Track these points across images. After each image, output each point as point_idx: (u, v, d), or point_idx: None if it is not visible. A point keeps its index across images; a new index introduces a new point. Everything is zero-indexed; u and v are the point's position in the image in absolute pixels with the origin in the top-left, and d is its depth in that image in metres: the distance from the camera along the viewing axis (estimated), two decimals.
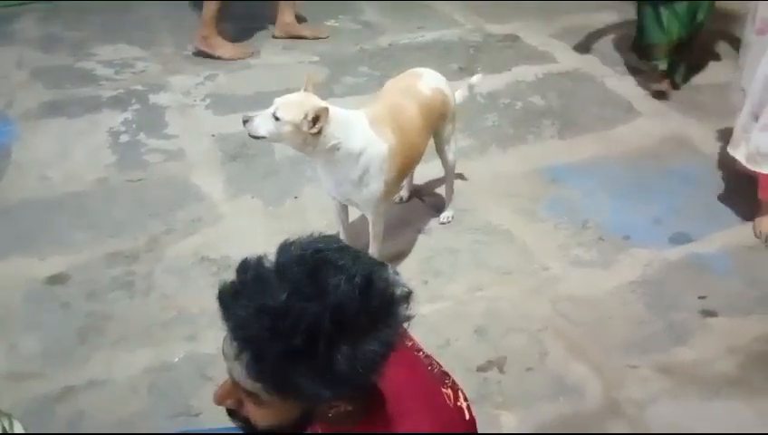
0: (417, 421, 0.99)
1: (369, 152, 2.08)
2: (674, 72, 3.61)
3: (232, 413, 0.95)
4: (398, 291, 0.87)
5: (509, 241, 2.59)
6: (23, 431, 1.41)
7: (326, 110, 1.98)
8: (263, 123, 2.01)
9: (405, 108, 2.24)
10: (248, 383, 0.88)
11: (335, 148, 2.03)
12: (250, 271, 0.86)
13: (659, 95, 3.57)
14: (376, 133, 2.10)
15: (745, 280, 2.41)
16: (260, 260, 0.87)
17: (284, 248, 0.88)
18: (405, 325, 0.88)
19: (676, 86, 3.64)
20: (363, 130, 2.08)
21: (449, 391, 1.10)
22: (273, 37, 4.14)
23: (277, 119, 1.99)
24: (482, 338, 2.16)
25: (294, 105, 2.00)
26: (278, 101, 2.03)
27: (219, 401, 0.95)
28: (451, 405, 1.08)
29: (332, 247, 0.88)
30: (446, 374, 1.14)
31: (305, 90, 2.09)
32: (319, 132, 1.98)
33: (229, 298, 0.86)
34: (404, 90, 2.32)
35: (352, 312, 0.82)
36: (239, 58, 3.89)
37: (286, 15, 4.10)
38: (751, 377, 2.04)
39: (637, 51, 3.67)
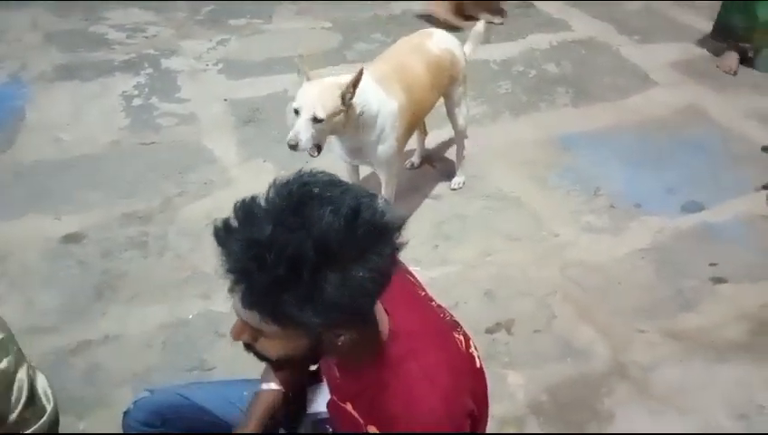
0: (430, 357, 1.01)
1: (382, 112, 2.08)
2: (756, 55, 3.50)
3: (248, 347, 0.99)
4: (389, 220, 0.88)
5: (520, 207, 2.60)
6: (46, 383, 1.45)
7: (360, 72, 1.93)
8: (308, 136, 1.91)
9: (411, 66, 2.23)
10: (247, 316, 0.92)
11: (360, 114, 2.03)
12: (242, 208, 0.89)
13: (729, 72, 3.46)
14: (384, 91, 2.10)
15: (757, 248, 2.41)
16: (253, 198, 0.90)
17: (275, 185, 0.90)
18: (397, 254, 0.89)
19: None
20: (374, 89, 2.07)
21: (461, 338, 1.12)
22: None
23: (318, 120, 1.91)
24: (491, 301, 2.18)
25: (323, 97, 1.91)
26: (304, 103, 1.91)
27: (235, 336, 0.98)
28: (463, 350, 1.10)
29: (320, 181, 0.90)
30: (457, 323, 1.16)
31: (306, 76, 2.01)
32: (351, 105, 1.95)
33: (223, 234, 0.89)
34: (413, 48, 2.31)
35: (337, 241, 0.84)
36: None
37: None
38: (758, 343, 2.05)
39: (720, 31, 3.54)
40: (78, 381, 1.88)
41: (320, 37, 3.80)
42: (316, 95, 1.92)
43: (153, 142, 2.93)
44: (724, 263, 2.33)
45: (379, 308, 1.02)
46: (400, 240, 0.89)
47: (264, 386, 1.27)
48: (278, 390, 1.25)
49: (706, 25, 3.96)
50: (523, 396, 1.87)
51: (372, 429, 1.03)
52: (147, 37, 3.77)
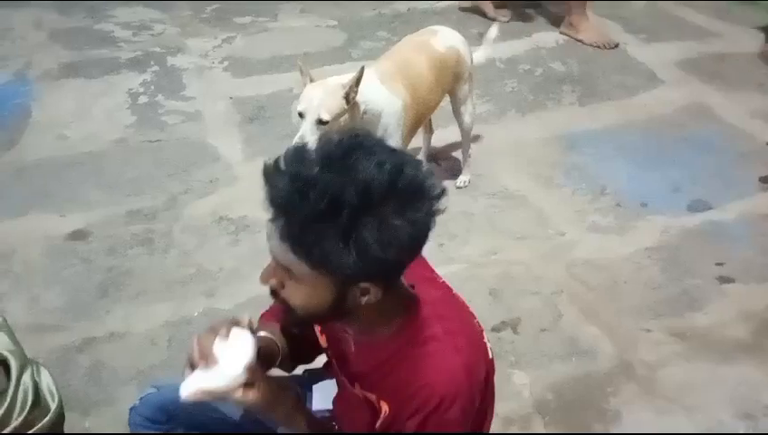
0: (454, 325, 1.04)
1: (386, 110, 2.08)
2: None
3: (274, 294, 1.00)
4: (431, 183, 0.92)
5: (525, 206, 2.59)
6: (50, 379, 1.45)
7: (361, 70, 1.95)
8: (314, 139, 1.89)
9: (415, 63, 2.22)
10: (281, 252, 0.93)
11: (364, 113, 2.02)
12: (292, 151, 0.93)
13: None
14: (388, 90, 2.09)
15: (763, 247, 2.39)
16: (304, 144, 0.96)
17: (327, 135, 0.96)
18: (434, 217, 0.92)
19: None
20: (378, 88, 2.07)
21: (478, 325, 1.12)
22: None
23: (323, 122, 1.91)
24: (496, 300, 2.17)
25: (327, 99, 1.91)
26: (308, 106, 1.91)
27: (263, 280, 1.00)
28: (481, 336, 1.10)
29: (370, 137, 0.96)
30: (473, 313, 1.15)
31: (308, 78, 2.00)
32: (355, 104, 1.96)
33: (271, 170, 0.92)
34: (417, 46, 2.31)
35: (379, 191, 0.87)
36: (602, 47, 3.64)
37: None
38: (764, 343, 2.03)
39: None
40: (83, 379, 1.89)
41: (325, 35, 3.79)
42: (320, 97, 1.92)
43: (158, 140, 2.93)
44: (731, 262, 2.32)
45: (402, 283, 1.04)
46: (438, 206, 0.91)
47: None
48: (269, 337, 1.20)
49: (712, 24, 3.95)
50: (529, 395, 1.87)
51: (384, 406, 1.04)
52: (153, 35, 3.77)
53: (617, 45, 3.67)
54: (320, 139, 0.97)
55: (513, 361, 1.95)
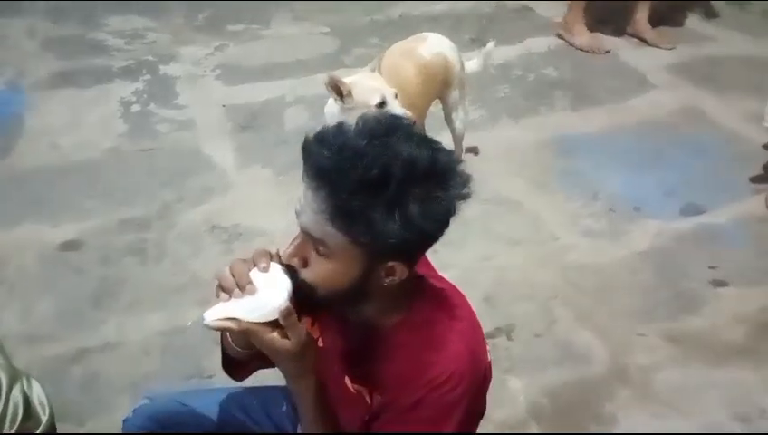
0: (457, 313, 1.05)
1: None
2: None
3: (293, 275, 0.97)
4: (462, 169, 0.96)
5: (519, 211, 2.59)
6: (41, 391, 1.44)
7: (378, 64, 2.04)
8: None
9: (402, 70, 2.24)
10: (318, 226, 0.92)
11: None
12: (333, 127, 0.94)
13: None
14: None
15: (756, 251, 2.40)
16: (341, 122, 0.96)
17: (364, 115, 0.97)
18: (465, 198, 0.96)
19: None
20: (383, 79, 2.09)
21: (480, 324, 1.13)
22: (627, 34, 3.84)
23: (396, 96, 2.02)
24: (491, 306, 2.17)
25: (381, 82, 2.03)
26: (385, 91, 2.01)
27: (288, 258, 0.98)
28: (482, 331, 1.11)
29: (407, 122, 1.00)
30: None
31: (346, 88, 2.04)
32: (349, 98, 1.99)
33: (312, 143, 0.93)
34: (405, 53, 2.33)
35: (423, 168, 0.90)
36: (593, 51, 3.67)
37: (639, 13, 3.77)
38: (758, 346, 2.04)
39: None
40: (76, 389, 1.88)
41: (317, 42, 3.80)
42: (382, 82, 2.03)
43: (151, 149, 2.92)
44: (724, 266, 2.32)
45: (415, 271, 1.04)
46: (468, 190, 0.95)
47: None
48: None
49: (702, 27, 3.97)
50: (524, 401, 1.87)
51: (376, 398, 1.04)
52: (145, 43, 3.77)
53: (608, 51, 3.68)
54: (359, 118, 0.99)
55: (507, 367, 1.95)
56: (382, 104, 1.97)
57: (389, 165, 0.88)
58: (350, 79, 2.04)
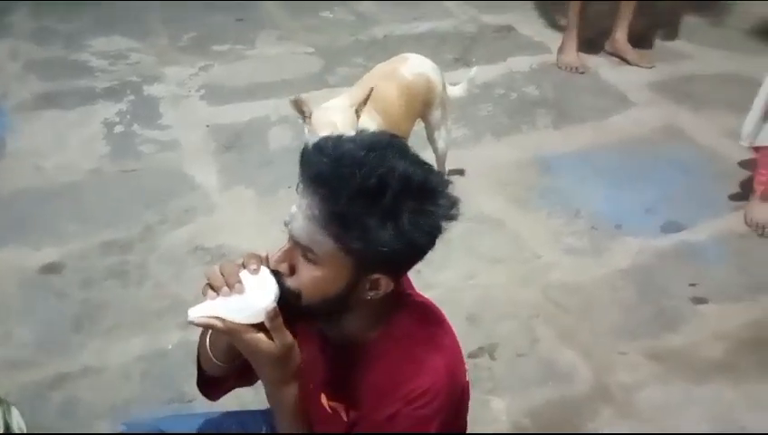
0: (436, 330, 1.07)
1: None
2: None
3: (279, 281, 0.97)
4: (451, 192, 0.99)
5: (502, 229, 2.61)
6: (20, 418, 1.43)
7: (371, 90, 2.02)
8: None
9: (385, 91, 2.26)
10: (309, 233, 0.94)
11: None
12: (331, 138, 0.98)
13: None
14: (360, 116, 2.11)
15: (736, 268, 2.43)
16: (340, 135, 1.00)
17: (363, 130, 1.03)
18: (452, 219, 0.99)
19: None
20: (351, 114, 2.09)
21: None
22: (604, 51, 3.89)
23: None
24: (473, 325, 2.17)
25: (345, 117, 2.01)
26: (333, 130, 1.94)
27: (275, 264, 0.98)
28: (460, 350, 1.12)
29: (401, 140, 1.02)
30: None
31: (308, 111, 2.07)
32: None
33: (311, 151, 0.95)
34: (386, 74, 2.35)
35: (416, 184, 0.93)
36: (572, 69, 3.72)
37: (618, 32, 3.81)
38: (739, 362, 2.06)
39: None
40: (55, 416, 1.86)
41: (302, 62, 3.82)
42: (341, 119, 1.99)
43: (134, 170, 2.92)
44: (704, 283, 2.34)
45: (399, 286, 1.06)
46: (456, 211, 0.98)
47: None
48: None
49: (679, 45, 4.04)
50: (506, 420, 1.87)
51: (352, 414, 1.05)
52: (129, 64, 3.77)
53: (582, 72, 3.73)
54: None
55: (490, 387, 1.95)
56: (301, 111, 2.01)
57: (386, 176, 0.91)
58: (326, 104, 2.05)
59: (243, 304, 0.93)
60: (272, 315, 0.94)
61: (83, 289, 2.29)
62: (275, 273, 0.97)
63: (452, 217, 0.98)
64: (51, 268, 2.37)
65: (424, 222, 0.94)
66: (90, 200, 2.73)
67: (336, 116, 2.00)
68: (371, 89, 2.02)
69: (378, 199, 0.91)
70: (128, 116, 3.28)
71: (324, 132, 1.93)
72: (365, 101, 2.02)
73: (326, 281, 0.96)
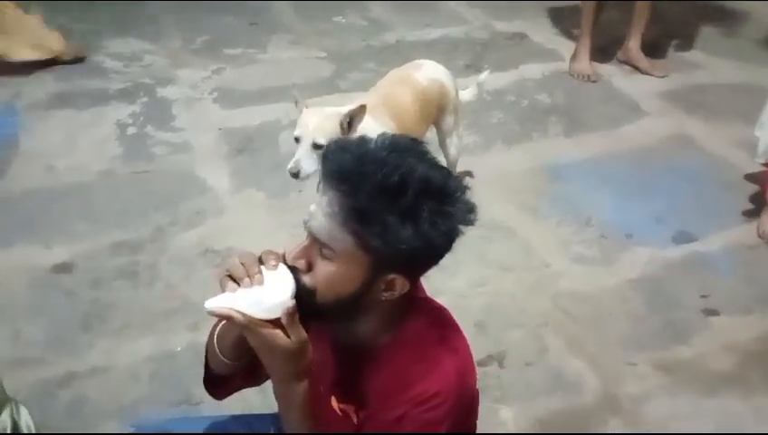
0: (448, 333, 1.07)
1: None
2: None
3: (296, 277, 0.98)
4: (469, 197, 1.01)
5: (512, 237, 2.60)
6: (28, 416, 1.44)
7: (362, 108, 2.01)
8: (309, 161, 1.96)
9: (399, 96, 2.27)
10: (329, 229, 0.95)
11: None
12: (357, 138, 1.00)
13: None
14: (375, 121, 2.13)
15: (747, 279, 2.41)
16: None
17: (383, 133, 1.03)
18: (468, 224, 1.00)
19: None
20: (366, 118, 2.10)
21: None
22: (617, 60, 3.90)
23: (318, 146, 1.94)
24: (482, 333, 2.17)
25: (323, 124, 1.98)
26: (304, 130, 1.99)
27: (292, 260, 0.99)
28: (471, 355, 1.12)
29: (422, 144, 1.03)
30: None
31: (303, 105, 2.08)
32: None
33: (334, 150, 0.97)
34: (401, 79, 2.36)
35: (436, 186, 0.95)
36: (583, 78, 3.72)
37: (632, 41, 3.80)
38: (749, 375, 2.04)
39: None
40: (63, 415, 1.87)
41: (314, 67, 3.83)
42: (315, 122, 1.99)
43: (146, 171, 2.93)
44: (716, 294, 2.33)
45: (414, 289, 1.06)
46: (473, 216, 1.00)
47: None
48: None
49: (692, 55, 4.02)
50: (514, 430, 1.86)
51: (361, 415, 1.05)
52: (143, 66, 3.80)
53: (595, 81, 3.71)
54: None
55: (498, 396, 1.94)
56: (297, 140, 2.01)
57: (407, 175, 0.93)
58: (324, 108, 2.07)
59: (261, 298, 0.94)
60: (290, 311, 0.95)
61: (93, 289, 2.30)
62: (292, 269, 0.98)
63: (469, 222, 0.99)
64: (61, 268, 2.39)
65: (442, 223, 0.95)
66: (101, 201, 2.74)
67: (313, 119, 2.00)
68: (364, 106, 2.02)
69: (398, 198, 0.92)
70: (140, 118, 3.30)
71: (297, 132, 2.00)
72: (352, 116, 2.00)
73: (342, 279, 0.97)
